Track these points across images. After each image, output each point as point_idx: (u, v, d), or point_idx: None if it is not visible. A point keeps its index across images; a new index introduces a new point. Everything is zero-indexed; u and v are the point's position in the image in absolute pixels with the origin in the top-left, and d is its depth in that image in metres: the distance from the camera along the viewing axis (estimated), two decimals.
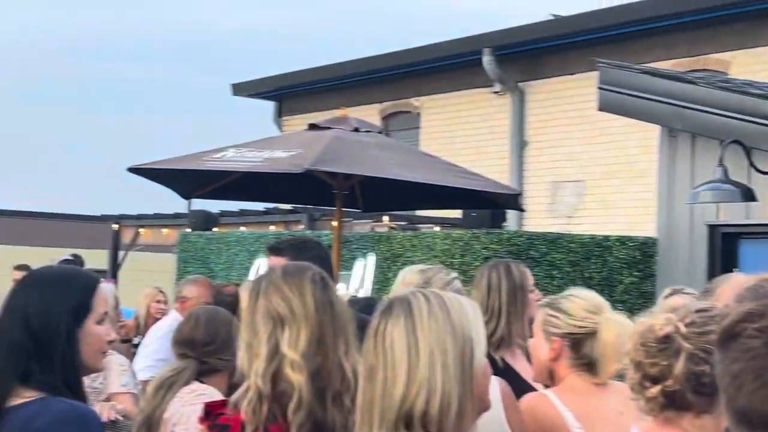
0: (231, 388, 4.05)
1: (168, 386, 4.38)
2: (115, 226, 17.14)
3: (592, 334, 3.66)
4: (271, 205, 14.02)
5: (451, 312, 2.47)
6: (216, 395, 4.09)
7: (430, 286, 3.25)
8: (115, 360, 5.80)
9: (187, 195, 8.39)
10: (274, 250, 4.58)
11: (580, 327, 3.66)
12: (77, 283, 2.97)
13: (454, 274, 4.80)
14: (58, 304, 2.88)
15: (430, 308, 2.47)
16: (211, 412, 3.04)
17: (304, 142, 7.23)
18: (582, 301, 3.76)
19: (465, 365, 2.43)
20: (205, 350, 4.41)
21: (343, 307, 3.11)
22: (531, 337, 4.06)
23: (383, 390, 2.40)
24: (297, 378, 2.94)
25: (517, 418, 3.50)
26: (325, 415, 2.94)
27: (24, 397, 2.79)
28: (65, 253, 13.74)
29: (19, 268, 11.80)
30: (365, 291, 10.44)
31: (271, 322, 2.99)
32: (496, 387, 3.39)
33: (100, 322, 2.94)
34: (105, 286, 3.09)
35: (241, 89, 19.77)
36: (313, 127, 7.74)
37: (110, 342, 3.06)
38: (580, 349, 3.68)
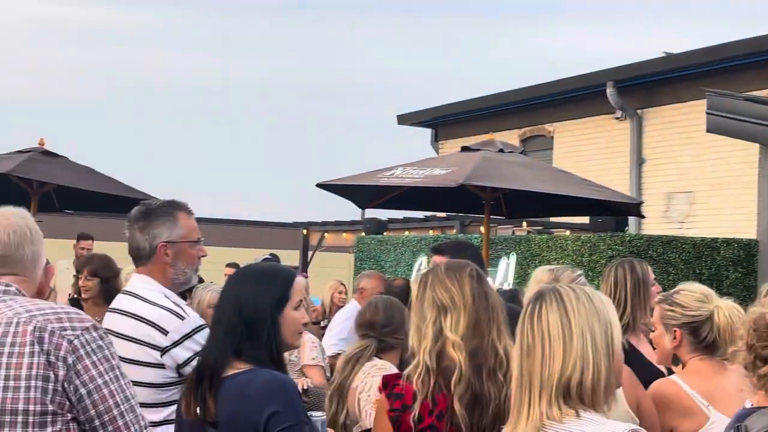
0: (402, 364, 4.06)
1: (355, 360, 4.40)
2: (305, 231, 17.40)
3: (707, 319, 3.53)
4: (430, 213, 14.03)
5: (594, 300, 2.43)
6: (392, 369, 4.10)
7: (559, 282, 3.17)
8: (307, 338, 5.86)
9: (362, 205, 8.45)
10: (437, 250, 4.57)
11: (696, 315, 3.54)
12: (279, 277, 3.00)
13: (580, 272, 4.70)
14: (264, 295, 2.91)
15: (577, 296, 2.42)
16: (388, 383, 3.04)
17: (458, 161, 7.20)
18: (693, 293, 3.65)
19: (609, 344, 2.38)
20: (383, 331, 4.41)
21: (496, 297, 3.08)
22: (652, 325, 3.93)
23: (542, 365, 2.35)
24: (458, 356, 2.93)
25: (633, 392, 3.35)
26: (482, 388, 2.91)
27: (237, 368, 2.83)
28: (266, 253, 14.04)
29: (230, 265, 12.09)
30: (508, 285, 10.33)
31: (435, 310, 2.98)
32: None
33: (296, 308, 2.97)
34: (300, 279, 3.12)
35: (404, 119, 19.86)
36: (465, 149, 7.70)
37: (304, 324, 3.09)
38: (699, 334, 3.56)
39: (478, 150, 7.43)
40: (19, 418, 2.24)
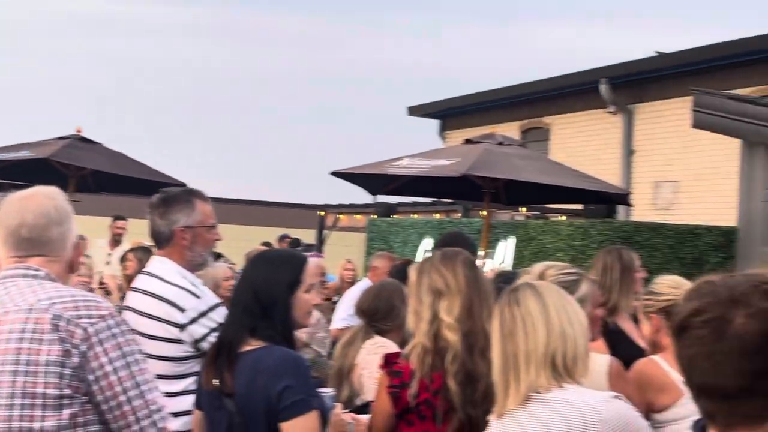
0: (403, 343, 4.07)
1: (350, 343, 4.42)
2: (321, 213, 17.43)
3: (678, 304, 3.52)
4: (436, 199, 14.03)
5: (560, 289, 2.53)
6: (393, 347, 4.11)
7: (544, 277, 3.17)
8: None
9: (374, 192, 8.45)
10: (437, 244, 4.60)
11: (669, 300, 3.53)
12: (292, 262, 3.01)
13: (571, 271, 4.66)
14: (278, 278, 2.92)
15: (547, 285, 2.52)
16: (388, 361, 3.06)
17: (461, 152, 7.19)
18: (665, 281, 3.66)
19: (581, 322, 2.41)
20: (373, 317, 4.42)
21: (487, 282, 3.09)
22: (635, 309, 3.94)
23: (526, 343, 2.38)
24: (452, 337, 2.94)
25: (620, 387, 3.25)
26: (474, 366, 2.92)
27: (252, 345, 2.84)
28: (285, 233, 14.09)
29: (264, 244, 12.17)
30: (506, 265, 10.34)
31: (432, 294, 2.99)
32: (605, 362, 3.22)
33: (308, 291, 2.98)
34: (313, 262, 3.12)
35: (414, 110, 19.83)
36: (468, 141, 7.70)
37: (316, 305, 3.10)
38: (673, 317, 3.55)
39: (480, 142, 7.43)
40: (38, 401, 2.25)
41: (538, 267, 3.24)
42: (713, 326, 1.37)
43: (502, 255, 10.65)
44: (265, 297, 2.88)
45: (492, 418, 2.46)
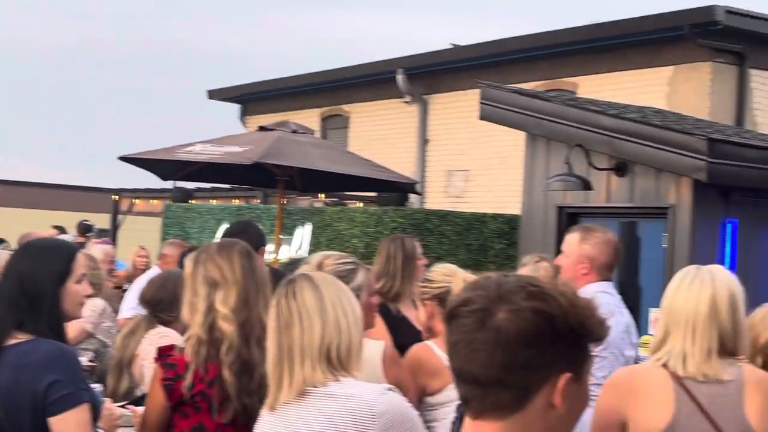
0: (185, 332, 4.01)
1: (132, 333, 4.33)
2: (116, 197, 16.88)
3: (451, 291, 3.65)
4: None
5: (336, 279, 2.54)
6: (177, 337, 4.03)
7: (322, 268, 3.20)
8: (90, 303, 5.62)
9: (165, 178, 8.25)
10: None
11: (442, 288, 3.63)
12: (60, 252, 2.90)
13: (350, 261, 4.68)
14: (45, 269, 2.82)
15: (324, 277, 2.52)
16: (162, 353, 3.01)
17: (254, 140, 7.15)
18: (440, 270, 3.76)
19: (355, 313, 2.45)
20: (156, 308, 4.35)
21: (264, 272, 3.09)
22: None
23: (301, 336, 2.39)
24: (228, 328, 2.93)
25: (394, 372, 3.30)
26: (250, 356, 2.92)
27: (18, 338, 2.73)
28: (79, 217, 13.54)
29: (55, 227, 11.63)
30: (303, 252, 10.41)
31: (207, 285, 2.97)
32: (380, 349, 3.28)
33: (78, 281, 2.89)
34: (101, 249, 3.03)
35: (214, 94, 19.53)
36: (262, 128, 7.66)
37: (87, 296, 3.01)
38: (446, 305, 3.66)
39: (274, 130, 7.41)
40: None
41: (317, 257, 3.28)
42: (477, 317, 1.43)
43: (299, 241, 10.71)
44: (32, 289, 2.78)
45: (264, 411, 2.46)
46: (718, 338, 2.76)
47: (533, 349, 1.40)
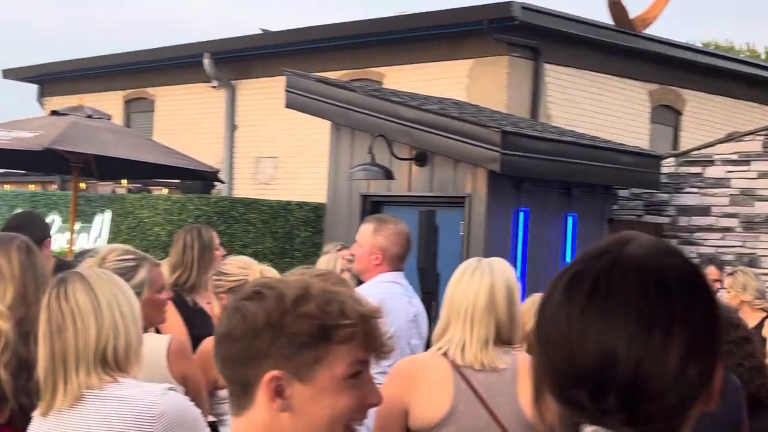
0: None
1: None
2: None
3: (246, 283, 3.64)
4: None
5: (113, 277, 2.46)
6: None
7: (105, 261, 3.10)
8: None
9: None
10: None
11: (237, 280, 3.61)
12: None
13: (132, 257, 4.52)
14: None
15: (98, 275, 2.43)
16: None
17: (46, 125, 6.85)
18: (235, 262, 3.75)
19: (133, 312, 2.40)
20: None
21: (45, 267, 2.98)
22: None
23: (75, 339, 2.30)
24: (3, 325, 2.80)
25: (181, 367, 3.20)
26: (29, 354, 2.81)
27: None
28: None
29: None
30: (102, 240, 10.08)
31: None
32: (164, 343, 3.20)
33: None
34: None
35: (10, 73, 18.54)
36: (54, 113, 7.35)
37: None
38: None
39: (67, 115, 7.13)
40: None
41: (103, 250, 3.18)
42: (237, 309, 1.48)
43: (99, 229, 10.37)
44: None
45: (35, 414, 2.37)
46: (495, 328, 2.90)
47: (236, 344, 1.43)
